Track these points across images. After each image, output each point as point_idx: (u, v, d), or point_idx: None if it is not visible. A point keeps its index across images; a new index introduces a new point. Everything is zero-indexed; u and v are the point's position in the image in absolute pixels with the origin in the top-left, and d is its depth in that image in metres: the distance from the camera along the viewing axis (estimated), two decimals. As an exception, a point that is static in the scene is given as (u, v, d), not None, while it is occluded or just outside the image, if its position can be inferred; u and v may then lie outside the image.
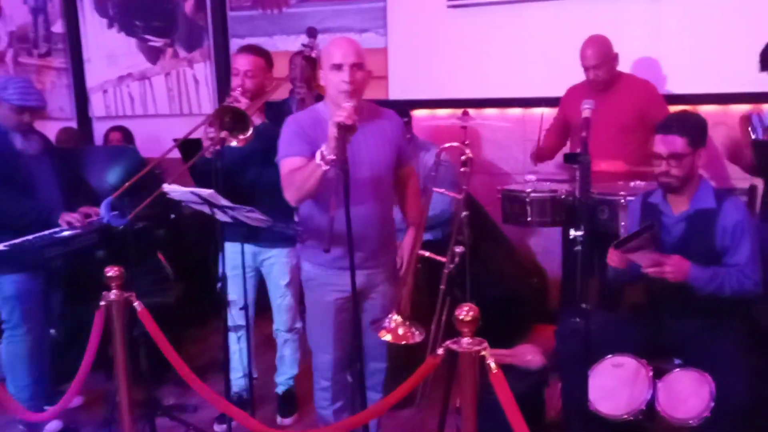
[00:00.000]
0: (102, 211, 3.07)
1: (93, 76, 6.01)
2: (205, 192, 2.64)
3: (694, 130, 2.79)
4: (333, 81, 2.60)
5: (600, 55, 3.78)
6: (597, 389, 2.62)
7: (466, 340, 1.97)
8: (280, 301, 3.48)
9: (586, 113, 2.40)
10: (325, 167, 2.45)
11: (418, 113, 4.56)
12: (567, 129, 4.07)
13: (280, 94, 3.98)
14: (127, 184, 3.12)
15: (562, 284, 4.21)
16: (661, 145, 2.78)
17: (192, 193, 2.67)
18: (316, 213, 2.71)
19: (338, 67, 2.57)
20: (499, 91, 4.61)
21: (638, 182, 3.50)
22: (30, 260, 3.26)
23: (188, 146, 3.45)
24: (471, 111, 4.42)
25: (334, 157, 2.42)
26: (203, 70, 5.56)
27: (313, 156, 2.48)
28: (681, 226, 2.83)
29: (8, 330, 3.47)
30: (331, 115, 2.53)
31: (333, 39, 2.75)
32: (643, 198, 2.99)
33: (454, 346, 1.99)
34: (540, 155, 4.07)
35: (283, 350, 3.60)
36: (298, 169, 2.58)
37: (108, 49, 5.88)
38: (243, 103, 3.08)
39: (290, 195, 2.63)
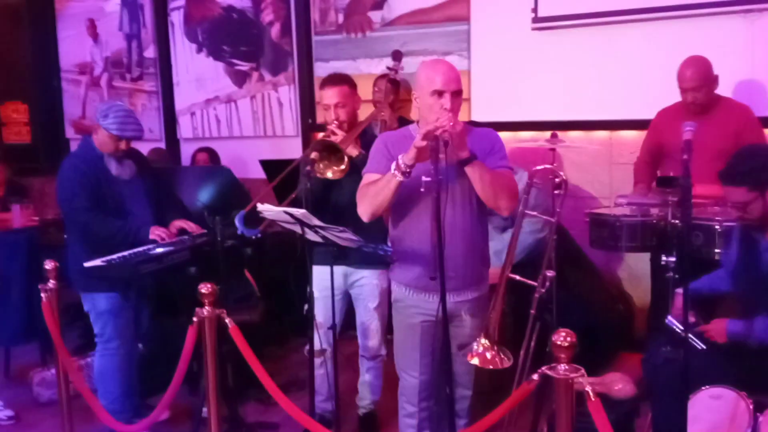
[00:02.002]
0: (237, 223, 3.15)
1: (182, 99, 6.20)
2: (298, 212, 2.67)
3: (753, 174, 2.67)
4: (432, 107, 2.56)
5: (700, 76, 3.60)
6: (693, 421, 2.52)
7: (562, 367, 1.93)
8: (368, 324, 3.45)
9: (687, 135, 2.32)
10: (399, 178, 2.47)
11: (501, 135, 4.53)
12: (659, 155, 3.89)
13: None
14: (258, 197, 3.17)
15: (649, 311, 4.07)
16: (725, 193, 2.71)
17: (285, 212, 2.71)
18: (408, 234, 2.70)
19: (440, 93, 2.56)
20: (584, 113, 4.52)
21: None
22: (125, 276, 3.35)
23: (276, 168, 3.48)
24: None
25: (410, 168, 2.44)
26: (287, 93, 5.66)
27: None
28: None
29: (101, 344, 3.58)
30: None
31: (430, 62, 2.74)
32: (741, 223, 2.88)
33: (551, 373, 1.95)
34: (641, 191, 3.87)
35: (366, 376, 3.57)
36: (373, 182, 2.60)
37: (196, 73, 6.07)
38: (339, 136, 3.12)
39: (362, 207, 2.64)
